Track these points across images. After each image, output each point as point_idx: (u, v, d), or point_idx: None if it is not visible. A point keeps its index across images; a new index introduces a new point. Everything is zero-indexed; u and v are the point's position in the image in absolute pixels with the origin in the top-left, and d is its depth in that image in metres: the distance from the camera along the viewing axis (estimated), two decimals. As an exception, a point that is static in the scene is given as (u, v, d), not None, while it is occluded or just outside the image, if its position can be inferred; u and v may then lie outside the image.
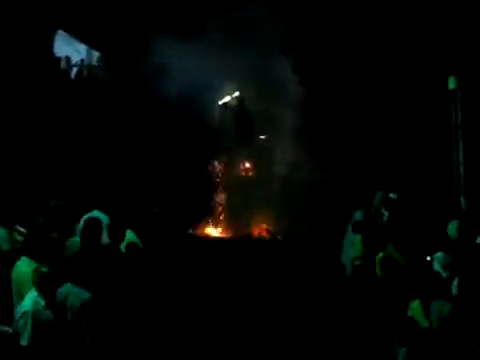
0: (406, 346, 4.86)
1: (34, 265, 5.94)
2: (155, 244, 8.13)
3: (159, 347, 6.77)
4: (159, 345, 6.79)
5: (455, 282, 6.07)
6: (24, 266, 5.98)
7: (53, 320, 5.36)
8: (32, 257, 5.98)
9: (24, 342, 5.20)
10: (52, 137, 11.30)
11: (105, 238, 6.71)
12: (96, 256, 6.31)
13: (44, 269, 5.39)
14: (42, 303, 5.31)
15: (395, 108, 11.83)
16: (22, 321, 5.22)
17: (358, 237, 7.93)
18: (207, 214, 13.05)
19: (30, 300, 5.33)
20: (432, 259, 6.62)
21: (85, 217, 7.39)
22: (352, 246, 8.12)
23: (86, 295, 5.55)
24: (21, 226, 7.04)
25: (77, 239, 6.72)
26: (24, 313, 5.24)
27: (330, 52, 12.39)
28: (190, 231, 12.39)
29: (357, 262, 7.82)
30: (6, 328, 5.69)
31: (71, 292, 5.55)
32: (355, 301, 7.33)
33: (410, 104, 11.68)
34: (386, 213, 8.68)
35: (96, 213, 7.39)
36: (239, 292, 8.93)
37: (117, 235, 6.69)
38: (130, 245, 6.85)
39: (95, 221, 6.66)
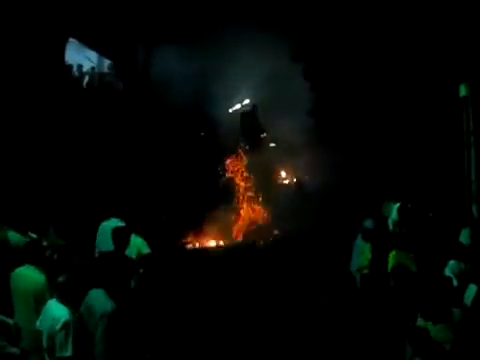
0: (420, 356, 4.83)
1: (38, 272, 5.99)
2: (164, 251, 8.14)
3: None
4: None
5: (468, 291, 6.03)
6: (30, 272, 6.01)
7: (83, 328, 5.39)
8: (33, 263, 6.02)
9: (68, 353, 5.13)
10: (65, 144, 11.36)
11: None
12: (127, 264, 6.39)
13: (61, 278, 5.37)
14: (72, 311, 5.31)
15: (407, 115, 11.80)
16: (63, 332, 5.13)
17: (367, 245, 7.90)
18: (215, 222, 13.04)
19: (63, 310, 5.27)
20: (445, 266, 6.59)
21: (104, 224, 7.45)
22: (361, 254, 8.09)
23: (108, 306, 5.57)
24: (33, 232, 7.09)
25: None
26: (65, 323, 5.16)
27: (341, 59, 12.39)
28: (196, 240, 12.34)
29: (365, 271, 7.80)
30: (14, 349, 5.66)
31: (98, 299, 5.59)
32: (364, 309, 7.31)
33: (421, 111, 11.65)
34: (396, 219, 8.62)
35: (114, 221, 7.42)
36: (248, 301, 8.91)
37: (122, 241, 6.71)
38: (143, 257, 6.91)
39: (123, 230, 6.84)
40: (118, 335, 5.67)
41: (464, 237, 7.68)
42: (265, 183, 13.26)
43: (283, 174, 13.55)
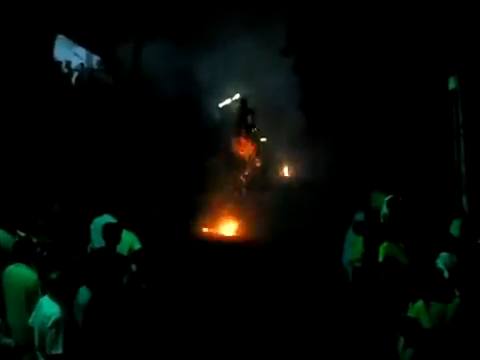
0: (412, 347, 4.84)
1: (29, 269, 5.97)
2: (155, 245, 8.12)
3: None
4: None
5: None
6: (22, 270, 6.00)
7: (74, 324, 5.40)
8: (23, 261, 6.00)
9: (59, 350, 5.13)
10: (54, 141, 11.31)
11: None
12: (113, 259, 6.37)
13: (54, 275, 5.36)
14: (64, 308, 5.30)
15: (396, 109, 11.83)
16: (53, 330, 5.14)
17: (359, 238, 7.90)
18: (205, 215, 13.03)
19: (54, 307, 5.27)
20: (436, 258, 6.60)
21: (97, 221, 7.42)
22: (353, 247, 8.10)
23: (84, 298, 5.59)
24: (23, 231, 7.05)
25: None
26: (56, 321, 5.17)
27: (331, 53, 12.41)
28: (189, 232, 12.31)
29: (357, 264, 7.81)
30: (9, 340, 5.66)
31: (81, 293, 5.62)
32: (356, 302, 7.33)
33: (411, 104, 11.68)
34: (387, 212, 8.63)
35: (107, 217, 7.39)
36: (240, 295, 8.92)
37: (113, 237, 6.69)
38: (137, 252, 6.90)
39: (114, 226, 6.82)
40: (112, 331, 5.69)
41: (454, 229, 7.70)
42: (254, 177, 13.30)
43: (274, 168, 13.58)
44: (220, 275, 9.58)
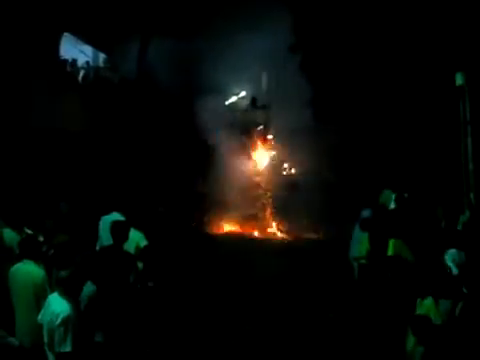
0: (424, 345, 4.81)
1: (36, 267, 5.98)
2: (163, 243, 8.12)
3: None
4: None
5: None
6: (29, 267, 6.01)
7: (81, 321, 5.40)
8: (31, 258, 6.01)
9: (67, 348, 5.13)
10: (60, 139, 11.34)
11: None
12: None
13: (64, 273, 5.36)
14: (74, 306, 5.32)
15: (403, 105, 11.80)
16: (62, 329, 5.13)
17: (365, 235, 7.90)
18: (212, 213, 13.04)
19: (63, 305, 5.27)
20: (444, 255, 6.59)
21: (105, 218, 7.43)
22: (359, 244, 8.09)
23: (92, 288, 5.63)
24: (29, 228, 7.07)
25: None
26: (65, 319, 5.16)
27: (338, 50, 12.38)
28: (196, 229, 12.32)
29: (363, 261, 7.80)
30: (13, 340, 5.67)
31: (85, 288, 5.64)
32: (363, 299, 7.31)
33: (418, 101, 11.65)
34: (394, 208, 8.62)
35: (115, 215, 7.40)
36: (246, 290, 8.92)
37: (120, 235, 6.69)
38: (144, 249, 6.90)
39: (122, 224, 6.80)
40: (118, 329, 5.69)
41: (462, 225, 7.68)
42: (262, 175, 13.31)
43: (281, 166, 13.58)
44: (227, 272, 9.58)
